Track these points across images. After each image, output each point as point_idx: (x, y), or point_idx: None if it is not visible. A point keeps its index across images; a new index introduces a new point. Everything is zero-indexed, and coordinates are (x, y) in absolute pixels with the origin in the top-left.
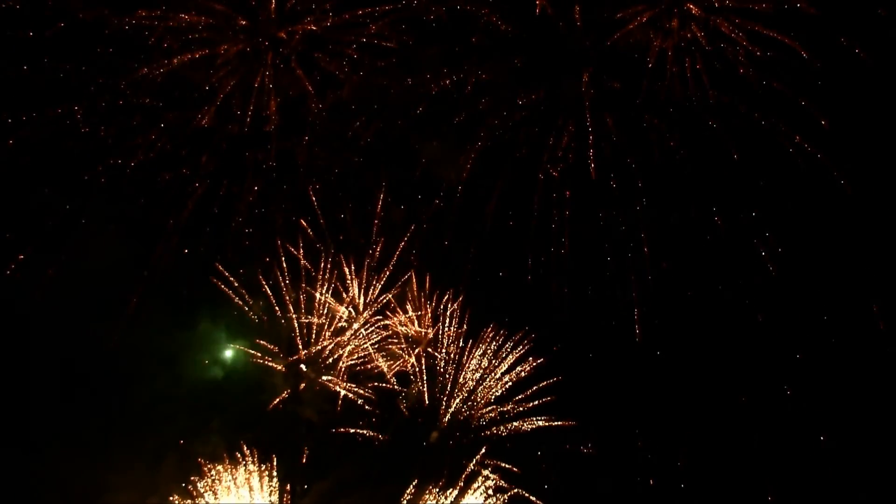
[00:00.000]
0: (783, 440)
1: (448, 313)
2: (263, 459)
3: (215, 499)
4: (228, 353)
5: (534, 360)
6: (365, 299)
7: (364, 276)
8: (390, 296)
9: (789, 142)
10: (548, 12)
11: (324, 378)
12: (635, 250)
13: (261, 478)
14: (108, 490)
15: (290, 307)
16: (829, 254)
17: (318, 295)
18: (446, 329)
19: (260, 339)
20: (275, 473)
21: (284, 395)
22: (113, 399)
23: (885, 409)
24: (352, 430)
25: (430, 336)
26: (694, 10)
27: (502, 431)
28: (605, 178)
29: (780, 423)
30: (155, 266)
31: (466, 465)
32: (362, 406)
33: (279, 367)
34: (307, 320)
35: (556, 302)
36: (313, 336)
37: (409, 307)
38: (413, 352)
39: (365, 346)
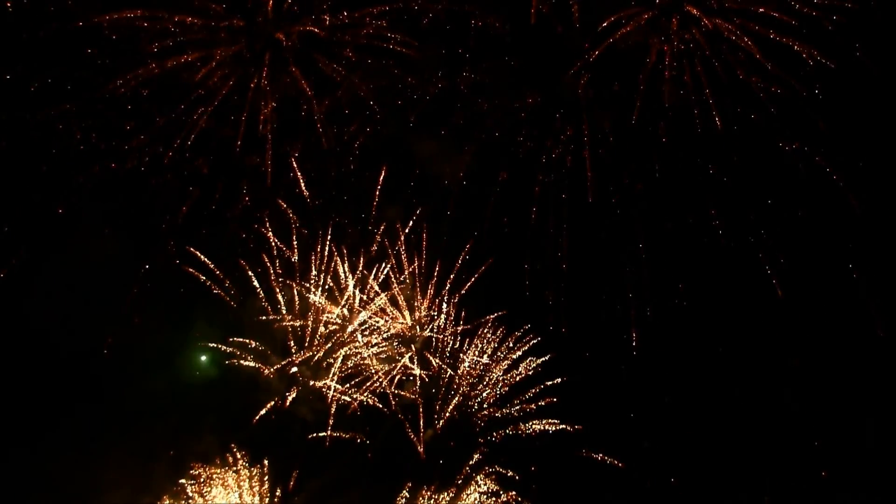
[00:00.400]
0: (779, 444)
1: (444, 314)
2: (256, 459)
3: (207, 500)
4: (221, 353)
5: (531, 363)
6: (360, 300)
7: (359, 277)
8: (385, 297)
9: (789, 145)
10: (543, 11)
11: (317, 384)
12: (632, 256)
13: (252, 478)
14: (102, 489)
15: (284, 308)
16: (827, 258)
17: (311, 297)
18: (442, 329)
19: (255, 340)
20: (266, 474)
21: (276, 401)
22: (107, 398)
23: (879, 413)
24: (346, 436)
25: (426, 337)
26: (694, 11)
27: (499, 435)
28: (603, 183)
29: (776, 427)
30: (150, 267)
31: (462, 468)
32: (356, 410)
33: (269, 372)
34: (300, 323)
35: (553, 306)
36: (307, 338)
37: (404, 308)
38: (408, 353)
39: (359, 347)
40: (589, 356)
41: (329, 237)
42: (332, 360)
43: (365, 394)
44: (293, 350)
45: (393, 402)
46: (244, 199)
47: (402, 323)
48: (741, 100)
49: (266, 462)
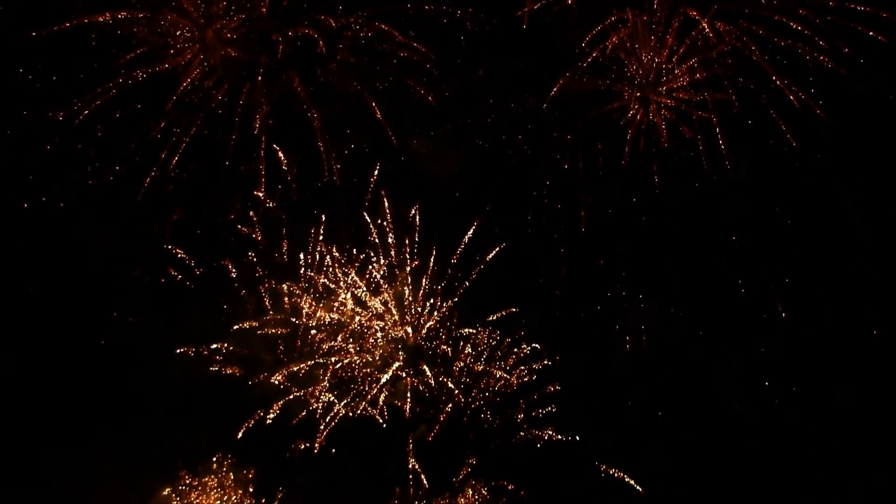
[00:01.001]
0: (775, 449)
1: (438, 319)
2: (243, 465)
3: (198, 499)
4: (211, 356)
5: (526, 370)
6: (351, 304)
7: (351, 280)
8: (378, 301)
9: (790, 148)
10: (538, 14)
11: (307, 389)
12: (630, 261)
13: (238, 485)
14: (93, 487)
15: (273, 312)
16: (825, 263)
17: (302, 301)
18: (436, 334)
19: (245, 343)
20: (252, 481)
21: (263, 413)
22: (98, 398)
23: (873, 414)
24: (334, 443)
25: (418, 342)
26: (693, 13)
27: (491, 444)
28: (599, 188)
29: (772, 432)
30: (142, 268)
31: (453, 477)
32: (346, 415)
33: (258, 376)
34: (289, 329)
35: (550, 311)
36: (298, 341)
37: (396, 312)
38: (400, 358)
39: (350, 352)
40: (585, 363)
41: (321, 239)
42: (322, 365)
43: (355, 400)
44: (283, 353)
45: (384, 409)
46: (237, 203)
47: (395, 327)
48: (741, 103)
49: (253, 469)
